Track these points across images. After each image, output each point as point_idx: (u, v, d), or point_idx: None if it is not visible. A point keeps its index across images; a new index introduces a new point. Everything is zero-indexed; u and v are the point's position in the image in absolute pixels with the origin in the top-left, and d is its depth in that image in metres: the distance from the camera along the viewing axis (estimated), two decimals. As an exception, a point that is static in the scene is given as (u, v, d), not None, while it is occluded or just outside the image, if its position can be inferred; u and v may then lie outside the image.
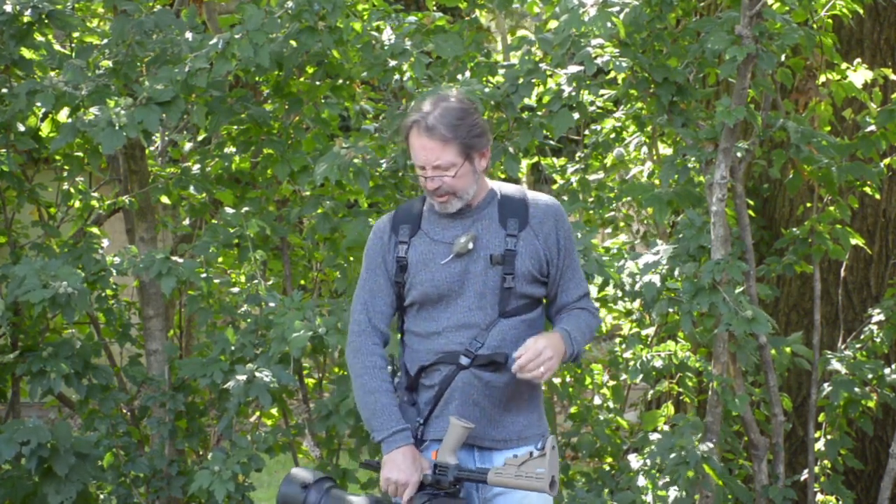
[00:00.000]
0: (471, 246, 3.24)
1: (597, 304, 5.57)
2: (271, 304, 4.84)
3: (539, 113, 4.95)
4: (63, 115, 5.00)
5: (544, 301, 3.38)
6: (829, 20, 5.15)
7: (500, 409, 3.27)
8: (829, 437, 5.23)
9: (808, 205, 5.37)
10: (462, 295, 3.25)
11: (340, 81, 5.27)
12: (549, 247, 3.29)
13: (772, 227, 5.79)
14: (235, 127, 5.30)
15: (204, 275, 4.92)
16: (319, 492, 3.15)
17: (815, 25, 5.07)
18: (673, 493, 4.53)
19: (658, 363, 4.83)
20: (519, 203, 3.30)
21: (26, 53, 4.95)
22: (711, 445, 4.62)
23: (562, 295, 3.35)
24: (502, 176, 5.07)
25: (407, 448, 3.21)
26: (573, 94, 4.84)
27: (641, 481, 4.65)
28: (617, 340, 5.59)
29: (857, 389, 5.06)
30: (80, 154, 5.18)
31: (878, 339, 5.21)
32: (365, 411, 3.27)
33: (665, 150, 5.54)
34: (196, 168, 5.39)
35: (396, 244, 3.31)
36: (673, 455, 4.53)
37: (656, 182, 5.33)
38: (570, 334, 3.26)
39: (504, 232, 3.26)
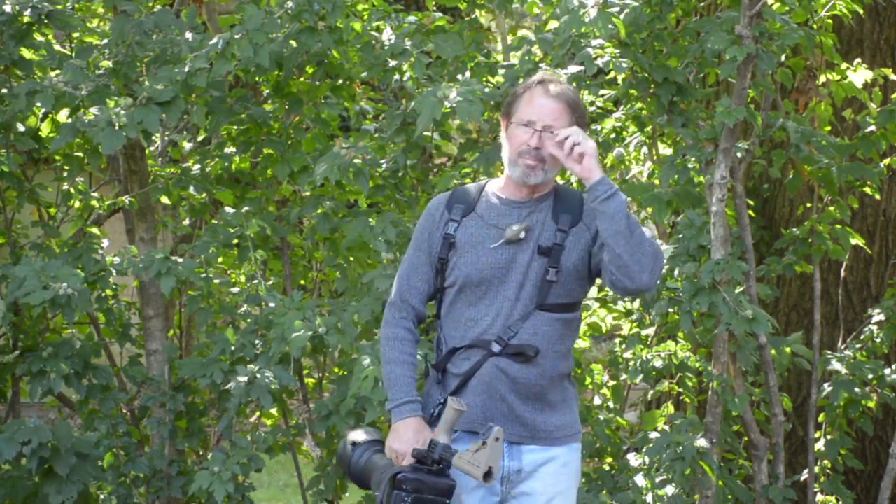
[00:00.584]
0: (522, 235, 3.25)
1: (596, 304, 5.64)
2: (271, 304, 4.84)
3: (539, 113, 4.94)
4: (63, 116, 5.00)
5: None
6: (829, 20, 5.15)
7: (529, 406, 3.27)
8: (829, 437, 5.23)
9: (808, 205, 5.37)
10: (504, 283, 3.25)
11: (340, 81, 5.27)
12: (595, 234, 3.28)
13: (772, 227, 5.79)
14: (235, 127, 5.30)
15: (204, 275, 4.92)
16: (363, 451, 3.30)
17: (815, 25, 5.07)
18: (670, 490, 4.53)
19: (658, 363, 4.84)
20: (574, 200, 3.32)
21: (26, 53, 4.95)
22: (706, 442, 4.61)
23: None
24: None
25: (412, 419, 3.23)
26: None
27: (641, 481, 4.65)
28: (617, 340, 5.59)
29: (857, 389, 5.06)
30: (80, 154, 5.18)
31: (878, 339, 5.21)
32: (384, 381, 3.34)
33: (665, 150, 5.53)
34: (196, 168, 5.40)
35: (448, 221, 3.32)
36: (669, 451, 4.53)
37: (656, 182, 5.33)
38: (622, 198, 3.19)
39: (556, 226, 3.27)
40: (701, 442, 4.55)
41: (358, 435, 3.37)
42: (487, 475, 3.08)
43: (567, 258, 3.26)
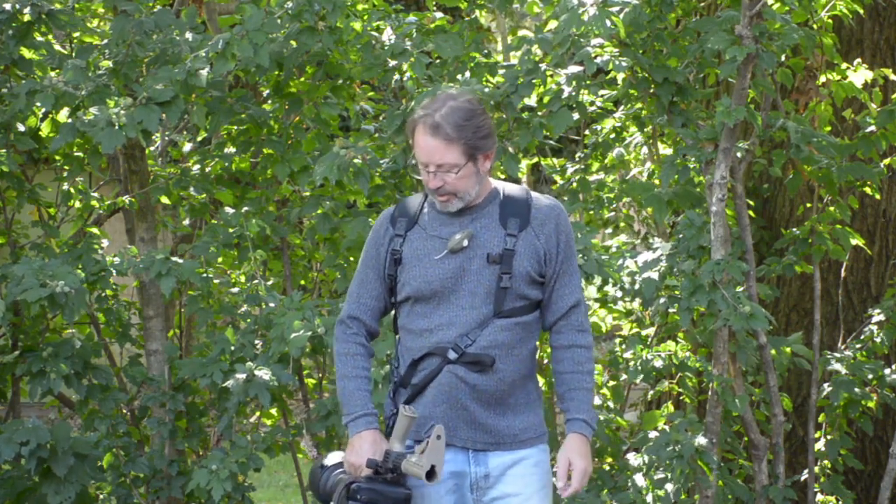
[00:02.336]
0: (465, 243, 3.22)
1: (595, 304, 5.63)
2: (271, 304, 4.84)
3: (539, 113, 4.95)
4: (63, 116, 5.00)
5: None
6: (829, 20, 5.15)
7: (491, 412, 3.24)
8: (829, 437, 5.23)
9: (808, 205, 5.37)
10: (456, 293, 3.22)
11: (340, 81, 5.27)
12: (549, 248, 3.27)
13: (772, 227, 5.79)
14: (235, 127, 5.30)
15: (204, 275, 4.92)
16: (330, 472, 3.27)
17: (815, 25, 5.07)
18: (669, 487, 4.53)
19: (658, 363, 4.83)
20: (521, 203, 3.28)
21: (26, 53, 4.95)
22: (706, 440, 4.61)
23: (556, 300, 3.31)
24: (502, 176, 5.07)
25: (368, 432, 3.22)
26: (573, 94, 4.84)
27: (640, 481, 4.65)
28: (617, 340, 5.59)
29: (857, 390, 5.06)
30: (80, 154, 5.18)
31: (878, 340, 5.20)
32: (339, 397, 3.33)
33: (665, 150, 5.53)
34: (196, 168, 5.40)
35: (393, 237, 3.30)
36: (668, 449, 4.53)
37: (656, 182, 5.33)
38: (589, 423, 3.27)
39: (504, 231, 3.24)
40: (700, 440, 4.55)
41: (329, 458, 3.33)
42: (430, 474, 3.06)
43: (519, 263, 3.22)
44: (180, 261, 4.86)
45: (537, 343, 3.36)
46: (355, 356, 3.31)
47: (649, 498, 4.61)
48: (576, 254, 3.36)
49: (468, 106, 3.21)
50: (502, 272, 3.21)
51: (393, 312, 3.39)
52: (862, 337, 5.28)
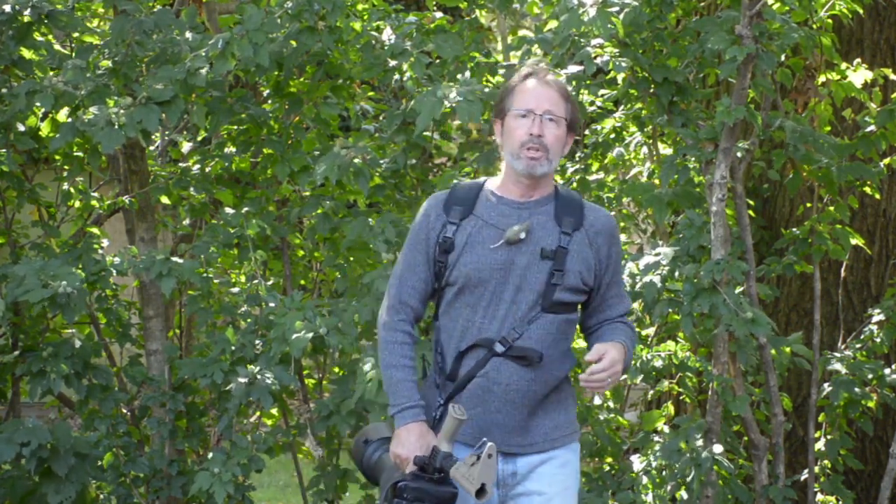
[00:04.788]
0: (523, 236, 3.20)
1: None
2: (271, 305, 4.84)
3: (539, 113, 4.94)
4: (63, 115, 5.00)
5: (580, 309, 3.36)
6: (829, 20, 5.15)
7: (525, 413, 3.23)
8: (829, 437, 5.23)
9: (808, 205, 5.37)
10: (502, 285, 3.20)
11: (340, 81, 5.27)
12: (599, 259, 3.27)
13: (772, 227, 5.79)
14: (235, 127, 5.30)
15: (204, 275, 4.92)
16: (375, 449, 3.27)
17: (814, 25, 5.07)
18: (683, 495, 4.53)
19: (658, 363, 4.84)
20: (576, 205, 3.29)
21: (26, 53, 4.95)
22: (721, 448, 4.60)
23: (606, 311, 3.33)
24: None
25: (415, 424, 3.18)
26: (573, 94, 4.84)
27: (642, 480, 4.65)
28: (617, 340, 5.58)
29: (857, 389, 5.06)
30: (80, 154, 5.18)
31: (878, 339, 5.20)
32: (385, 386, 3.29)
33: (665, 150, 5.54)
34: (196, 168, 5.40)
35: (445, 224, 3.26)
36: (683, 458, 4.51)
37: (656, 182, 5.33)
38: (629, 348, 3.25)
39: (559, 229, 3.24)
40: (716, 448, 4.53)
41: (373, 431, 3.32)
42: (481, 492, 3.03)
43: (571, 262, 3.22)
44: (180, 261, 4.86)
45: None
46: (402, 345, 3.26)
47: (649, 498, 4.61)
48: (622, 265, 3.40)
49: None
50: (554, 269, 3.21)
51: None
52: (862, 337, 5.28)
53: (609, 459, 5.25)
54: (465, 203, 3.28)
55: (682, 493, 4.55)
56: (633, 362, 4.87)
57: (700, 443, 4.62)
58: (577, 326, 3.39)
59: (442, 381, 3.26)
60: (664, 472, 4.61)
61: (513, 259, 3.21)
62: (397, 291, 3.30)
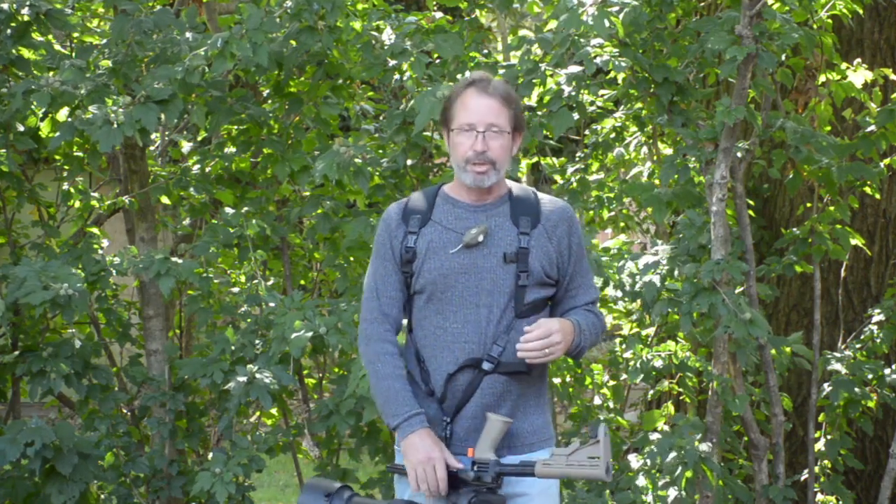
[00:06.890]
0: (481, 238, 3.22)
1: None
2: (271, 304, 4.84)
3: (539, 113, 4.95)
4: (63, 115, 5.00)
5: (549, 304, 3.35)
6: (829, 20, 5.15)
7: (506, 415, 3.22)
8: (829, 437, 5.23)
9: (808, 205, 5.37)
10: (469, 290, 3.21)
11: (340, 81, 5.28)
12: (561, 251, 3.28)
13: (772, 227, 5.79)
14: (235, 127, 5.30)
15: (204, 275, 4.92)
16: (341, 500, 3.12)
17: (815, 25, 5.07)
18: (672, 492, 4.53)
19: (658, 363, 4.83)
20: (531, 202, 3.29)
21: (25, 53, 4.95)
22: (711, 445, 4.61)
23: (571, 300, 3.33)
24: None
25: (424, 430, 3.16)
26: (573, 93, 4.84)
27: (641, 481, 4.65)
28: (617, 340, 5.59)
29: (857, 389, 5.06)
30: (80, 154, 5.18)
31: (878, 339, 5.21)
32: (379, 398, 3.25)
33: (665, 150, 5.54)
34: (196, 168, 5.40)
35: (406, 234, 3.28)
36: (673, 455, 4.52)
37: (656, 182, 5.33)
38: (581, 326, 3.24)
39: (517, 230, 3.24)
40: (703, 447, 4.54)
41: (322, 484, 3.16)
42: (607, 470, 2.99)
43: (534, 260, 3.23)
44: (180, 261, 4.86)
45: None
46: (393, 355, 3.26)
47: (649, 498, 4.61)
48: (586, 253, 3.38)
49: (509, 85, 3.29)
50: (520, 271, 3.21)
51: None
52: (862, 337, 5.28)
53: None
54: (422, 211, 3.30)
55: (680, 493, 4.54)
56: (633, 362, 4.88)
57: (695, 441, 4.62)
58: None
59: (426, 388, 3.25)
60: (658, 471, 4.61)
61: (475, 262, 3.22)
62: (378, 304, 3.30)
